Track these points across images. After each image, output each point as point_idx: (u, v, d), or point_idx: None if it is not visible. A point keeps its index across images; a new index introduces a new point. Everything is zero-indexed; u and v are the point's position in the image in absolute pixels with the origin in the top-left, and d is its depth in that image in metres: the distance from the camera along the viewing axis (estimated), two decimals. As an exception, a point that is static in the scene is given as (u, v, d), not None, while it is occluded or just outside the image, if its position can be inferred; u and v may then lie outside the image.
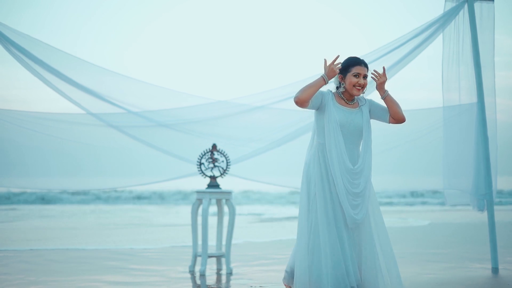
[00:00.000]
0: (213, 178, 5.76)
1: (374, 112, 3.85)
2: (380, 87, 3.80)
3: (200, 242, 5.72)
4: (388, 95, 3.81)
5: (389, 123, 3.85)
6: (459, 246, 7.99)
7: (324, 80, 3.67)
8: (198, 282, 5.27)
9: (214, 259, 6.12)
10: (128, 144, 5.70)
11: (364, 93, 3.85)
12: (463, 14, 5.84)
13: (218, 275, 5.64)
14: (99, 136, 5.65)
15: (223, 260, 5.87)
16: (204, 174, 5.74)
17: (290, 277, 3.87)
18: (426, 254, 7.09)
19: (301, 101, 3.67)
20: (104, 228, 11.15)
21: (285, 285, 3.97)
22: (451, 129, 5.92)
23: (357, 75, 3.76)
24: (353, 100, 3.82)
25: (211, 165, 5.74)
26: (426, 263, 6.31)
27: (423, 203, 21.03)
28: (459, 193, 6.00)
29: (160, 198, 22.20)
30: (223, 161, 5.74)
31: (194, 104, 5.74)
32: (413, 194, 23.22)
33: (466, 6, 5.83)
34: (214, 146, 5.74)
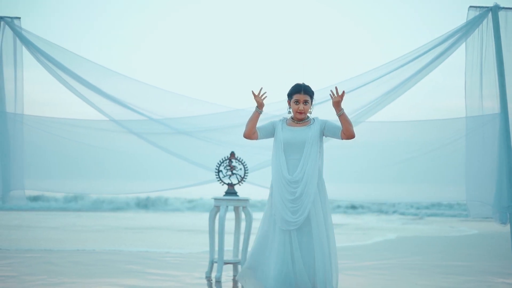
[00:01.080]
0: (230, 185, 5.81)
1: (327, 129, 4.29)
2: (336, 105, 4.20)
3: (217, 248, 5.77)
4: (343, 113, 4.21)
5: (341, 139, 4.28)
6: (484, 259, 7.82)
7: (257, 111, 4.22)
8: (213, 288, 5.33)
9: (230, 266, 6.16)
10: (147, 151, 5.79)
11: (310, 113, 4.34)
12: (487, 22, 5.73)
13: (234, 281, 5.67)
14: (119, 142, 5.76)
15: (239, 267, 5.91)
16: (222, 181, 5.79)
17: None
18: (448, 267, 6.96)
19: (246, 135, 4.26)
20: (124, 231, 11.32)
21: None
22: (474, 139, 5.81)
23: (297, 102, 4.28)
24: (303, 120, 4.28)
25: (229, 173, 5.78)
26: (446, 276, 6.20)
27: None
28: (482, 204, 5.88)
29: (181, 204, 22.24)
30: (241, 169, 5.78)
31: (213, 112, 5.80)
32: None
33: (490, 14, 5.71)
34: (232, 154, 5.78)
